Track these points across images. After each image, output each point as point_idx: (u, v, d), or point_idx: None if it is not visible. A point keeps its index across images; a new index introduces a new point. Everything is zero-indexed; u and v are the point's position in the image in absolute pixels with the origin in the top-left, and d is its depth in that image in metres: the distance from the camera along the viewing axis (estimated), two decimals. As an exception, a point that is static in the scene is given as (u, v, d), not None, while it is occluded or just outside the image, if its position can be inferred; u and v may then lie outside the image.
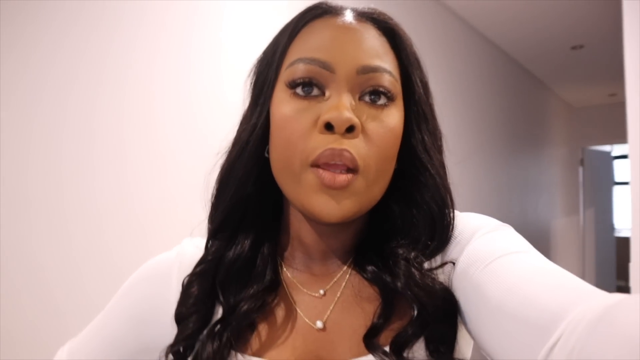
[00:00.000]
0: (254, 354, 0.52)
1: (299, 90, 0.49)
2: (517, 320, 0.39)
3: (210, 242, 0.57)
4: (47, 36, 1.27)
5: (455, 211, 0.55)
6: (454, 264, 0.50)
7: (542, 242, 4.75)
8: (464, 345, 0.53)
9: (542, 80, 4.78)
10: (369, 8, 0.55)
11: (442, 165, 0.55)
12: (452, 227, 0.53)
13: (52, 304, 1.22)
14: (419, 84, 0.54)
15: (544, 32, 3.53)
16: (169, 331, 0.55)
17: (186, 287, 0.55)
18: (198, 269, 0.56)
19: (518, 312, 0.39)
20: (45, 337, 1.12)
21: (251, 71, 0.57)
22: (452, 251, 0.52)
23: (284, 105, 0.50)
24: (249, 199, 0.55)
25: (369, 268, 0.53)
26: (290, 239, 0.58)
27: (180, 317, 0.54)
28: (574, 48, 3.86)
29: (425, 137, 0.53)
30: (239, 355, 0.52)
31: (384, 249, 0.53)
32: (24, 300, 1.19)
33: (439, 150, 0.56)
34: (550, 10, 3.18)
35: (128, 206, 1.38)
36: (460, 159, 3.10)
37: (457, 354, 0.49)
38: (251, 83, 0.57)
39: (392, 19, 0.54)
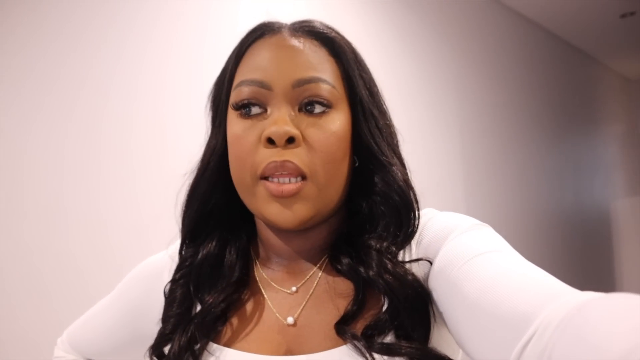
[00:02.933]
0: (225, 345, 0.55)
1: (243, 110, 0.54)
2: (491, 319, 0.40)
3: (183, 250, 0.62)
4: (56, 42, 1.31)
5: (434, 210, 0.58)
6: (430, 263, 0.51)
7: (601, 225, 4.48)
8: (451, 347, 0.53)
9: (590, 54, 4.49)
10: (306, 21, 0.58)
11: (398, 157, 0.58)
12: (417, 216, 0.56)
13: (51, 305, 1.27)
14: (362, 85, 0.57)
15: (587, 2, 3.31)
16: (159, 320, 0.61)
17: (168, 294, 0.60)
18: (177, 276, 0.61)
19: (492, 311, 0.40)
20: (44, 340, 1.16)
21: (209, 95, 0.62)
22: (428, 251, 0.53)
23: (233, 126, 0.55)
24: (214, 209, 0.60)
25: (344, 261, 0.55)
26: (263, 242, 0.62)
27: (162, 321, 0.60)
28: (623, 16, 3.60)
29: (376, 134, 0.56)
30: (211, 344, 0.55)
31: (357, 243, 0.55)
32: (23, 302, 1.24)
33: (392, 144, 0.58)
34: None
35: (100, 218, 1.43)
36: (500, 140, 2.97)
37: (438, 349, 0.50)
38: (209, 106, 0.61)
39: (328, 28, 0.58)
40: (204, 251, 0.59)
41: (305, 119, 0.53)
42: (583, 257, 4.07)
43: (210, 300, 0.56)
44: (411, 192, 0.56)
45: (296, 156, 0.51)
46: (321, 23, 0.58)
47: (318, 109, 0.53)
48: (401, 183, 0.55)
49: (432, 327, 0.50)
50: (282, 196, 0.51)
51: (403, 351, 0.48)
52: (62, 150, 1.32)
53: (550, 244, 3.58)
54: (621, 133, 5.11)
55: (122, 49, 1.44)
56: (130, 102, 1.45)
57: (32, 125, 1.28)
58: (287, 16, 0.61)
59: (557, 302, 0.36)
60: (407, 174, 0.58)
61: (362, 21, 2.22)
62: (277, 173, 0.51)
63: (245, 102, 0.54)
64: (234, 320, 0.57)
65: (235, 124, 0.54)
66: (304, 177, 0.52)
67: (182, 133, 1.52)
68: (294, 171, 0.51)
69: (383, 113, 0.59)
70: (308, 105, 0.53)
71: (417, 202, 0.56)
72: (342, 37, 0.58)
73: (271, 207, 0.52)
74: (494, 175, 3.03)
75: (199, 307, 0.58)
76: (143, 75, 1.48)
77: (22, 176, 1.26)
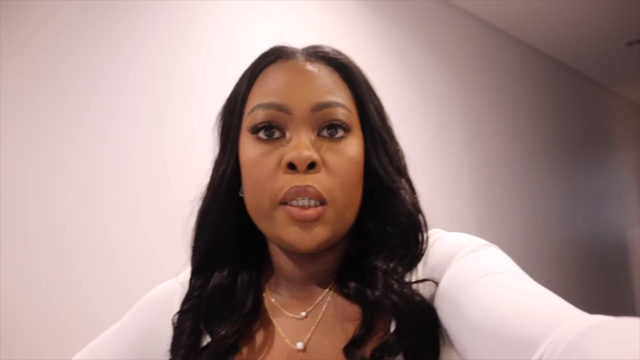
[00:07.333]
0: None
1: (261, 134, 0.54)
2: (497, 340, 0.39)
3: (193, 280, 0.61)
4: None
5: (441, 231, 0.58)
6: (436, 283, 0.51)
7: (617, 253, 4.39)
8: None
9: (599, 82, 4.50)
10: (317, 46, 0.58)
11: (408, 182, 0.58)
12: (425, 237, 0.56)
13: (61, 332, 1.28)
14: (373, 110, 0.57)
15: (594, 31, 3.36)
16: (168, 350, 0.60)
17: (177, 325, 0.59)
18: (185, 306, 0.60)
19: (498, 332, 0.40)
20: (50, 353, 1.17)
21: (217, 119, 0.61)
22: (434, 271, 0.52)
23: (250, 150, 0.54)
24: (225, 236, 0.59)
25: (351, 285, 0.55)
26: (273, 268, 0.61)
27: (171, 352, 0.59)
28: (629, 44, 3.63)
29: (385, 159, 0.56)
30: None
31: (364, 265, 0.55)
32: (32, 329, 1.25)
33: (401, 169, 0.58)
34: (598, 8, 3.02)
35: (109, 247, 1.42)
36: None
37: None
38: (218, 130, 0.61)
39: (341, 54, 0.58)
40: (214, 282, 0.58)
41: (325, 144, 0.53)
42: (598, 286, 3.97)
43: (223, 332, 0.55)
44: (420, 216, 0.56)
45: (317, 181, 0.51)
46: (332, 48, 0.59)
47: (339, 133, 0.53)
48: (410, 207, 0.55)
49: (440, 348, 0.50)
50: (305, 220, 0.51)
51: None
52: (69, 177, 1.36)
53: (564, 272, 3.51)
54: (634, 159, 5.06)
55: (127, 78, 1.49)
56: (135, 129, 1.49)
57: (38, 153, 1.31)
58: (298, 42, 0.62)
59: (565, 325, 0.35)
60: (416, 198, 0.58)
61: (370, 47, 2.27)
62: (299, 198, 0.51)
63: (266, 124, 0.53)
64: (245, 349, 0.57)
65: (251, 148, 0.54)
66: (323, 202, 0.52)
67: (189, 159, 1.54)
68: (315, 196, 0.51)
69: (392, 138, 0.59)
70: (330, 128, 0.53)
71: (426, 225, 0.56)
72: (353, 63, 0.59)
73: (290, 230, 0.52)
74: (504, 203, 3.01)
75: (207, 339, 0.57)
76: (148, 100, 1.52)
77: (29, 203, 1.29)
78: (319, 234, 0.52)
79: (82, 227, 1.36)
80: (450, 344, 0.49)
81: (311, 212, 0.51)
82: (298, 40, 0.61)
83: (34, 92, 1.31)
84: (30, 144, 1.30)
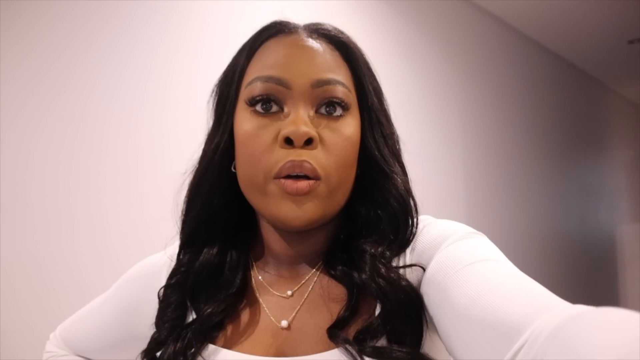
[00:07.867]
0: (218, 347, 0.56)
1: (258, 107, 0.53)
2: (481, 327, 0.40)
3: (181, 254, 0.61)
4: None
5: (430, 217, 0.58)
6: (424, 269, 0.51)
7: (606, 250, 4.44)
8: (443, 353, 0.52)
9: (598, 79, 4.50)
10: (319, 24, 0.58)
11: (400, 166, 0.58)
12: (415, 223, 0.55)
13: (55, 303, 1.29)
14: (372, 92, 0.57)
15: (595, 28, 3.35)
16: (153, 323, 0.60)
17: (162, 299, 0.60)
18: (172, 280, 0.60)
19: (483, 319, 0.40)
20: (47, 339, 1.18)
21: (213, 91, 0.60)
22: (422, 257, 0.53)
23: (246, 123, 0.53)
24: (216, 212, 0.58)
25: (338, 267, 0.55)
26: (263, 245, 0.61)
27: (156, 325, 0.59)
28: (630, 42, 3.62)
29: (381, 142, 0.56)
30: (209, 346, 0.55)
31: (352, 247, 0.55)
32: (26, 300, 1.27)
33: (395, 152, 0.58)
34: (600, 6, 3.01)
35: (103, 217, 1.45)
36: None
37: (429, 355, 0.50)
38: (213, 103, 0.60)
39: (343, 33, 0.58)
40: (203, 259, 0.58)
41: (322, 121, 0.53)
42: (587, 282, 4.03)
43: (210, 310, 0.56)
44: (411, 200, 0.56)
45: (313, 158, 0.51)
46: (334, 27, 0.58)
47: (337, 111, 0.53)
48: (402, 191, 0.55)
49: (424, 333, 0.50)
50: (297, 194, 0.50)
51: (394, 355, 0.48)
52: (70, 153, 1.36)
53: (554, 267, 3.55)
54: (628, 158, 5.09)
55: (130, 55, 1.49)
56: (137, 106, 1.49)
57: (41, 128, 1.31)
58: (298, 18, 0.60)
59: (549, 313, 0.36)
60: (408, 182, 0.58)
61: (370, 32, 2.26)
62: (294, 174, 0.50)
63: (264, 97, 0.52)
64: (230, 325, 0.57)
65: (248, 121, 0.53)
66: (317, 178, 0.51)
67: (186, 135, 1.54)
68: (310, 172, 0.50)
69: (389, 121, 0.59)
70: (329, 106, 0.53)
71: (416, 210, 0.56)
72: (354, 43, 0.58)
73: (283, 205, 0.51)
74: (496, 193, 3.03)
75: (193, 314, 0.58)
76: (151, 80, 1.53)
77: (27, 177, 1.29)
78: (310, 210, 0.51)
79: (82, 198, 1.36)
80: (434, 329, 0.49)
81: (304, 185, 0.50)
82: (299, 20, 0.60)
83: (42, 72, 1.30)
84: (36, 121, 1.30)
